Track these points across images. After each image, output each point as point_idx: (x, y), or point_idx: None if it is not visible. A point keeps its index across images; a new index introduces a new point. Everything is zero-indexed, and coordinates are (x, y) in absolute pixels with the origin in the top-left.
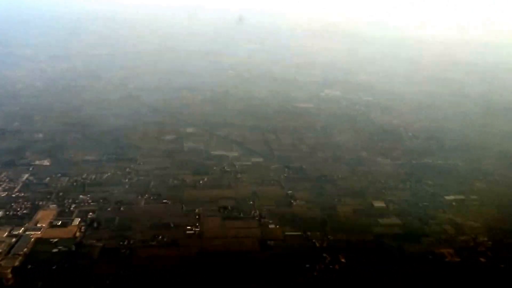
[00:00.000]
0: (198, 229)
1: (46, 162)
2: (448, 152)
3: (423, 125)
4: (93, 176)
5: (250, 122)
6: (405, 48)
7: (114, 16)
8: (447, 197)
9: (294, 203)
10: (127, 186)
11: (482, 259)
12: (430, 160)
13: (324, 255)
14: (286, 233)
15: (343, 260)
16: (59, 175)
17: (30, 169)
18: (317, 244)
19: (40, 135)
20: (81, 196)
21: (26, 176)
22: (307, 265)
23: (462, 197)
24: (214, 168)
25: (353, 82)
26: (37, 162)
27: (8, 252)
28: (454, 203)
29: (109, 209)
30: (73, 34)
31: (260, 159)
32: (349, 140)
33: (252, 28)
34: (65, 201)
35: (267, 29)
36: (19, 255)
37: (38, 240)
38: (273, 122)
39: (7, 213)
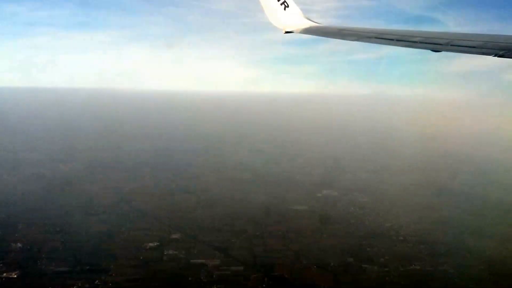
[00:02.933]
0: None
1: (13, 275)
2: (438, 257)
3: (416, 227)
4: None
5: (238, 226)
6: (410, 140)
7: (120, 113)
8: None
9: None
10: None
11: None
12: (418, 267)
13: None
14: None
15: None
16: None
17: None
18: None
19: (19, 245)
20: None
21: None
22: None
23: None
24: (190, 279)
25: (352, 180)
26: (4, 275)
27: None
28: None
29: None
30: (80, 134)
31: (241, 268)
32: (337, 245)
33: (263, 127)
34: None
35: (279, 128)
36: None
37: None
38: (262, 226)
39: None
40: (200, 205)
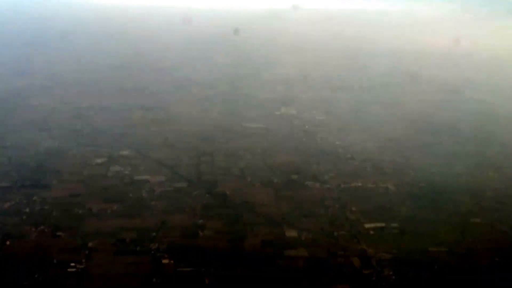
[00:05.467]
0: (83, 266)
1: None
2: (382, 175)
3: (366, 146)
4: None
5: (190, 144)
6: (380, 59)
7: (85, 28)
8: (366, 225)
9: (201, 234)
10: (24, 217)
11: None
12: (360, 184)
13: None
14: (178, 269)
15: None
16: None
17: None
18: (207, 281)
19: None
20: None
21: None
22: None
23: (382, 224)
24: (130, 195)
25: (313, 98)
26: None
27: None
28: (372, 232)
29: None
30: (39, 48)
31: (185, 184)
32: (285, 163)
33: (232, 43)
34: None
35: (248, 43)
36: None
37: None
38: (214, 143)
39: None
40: (155, 122)
